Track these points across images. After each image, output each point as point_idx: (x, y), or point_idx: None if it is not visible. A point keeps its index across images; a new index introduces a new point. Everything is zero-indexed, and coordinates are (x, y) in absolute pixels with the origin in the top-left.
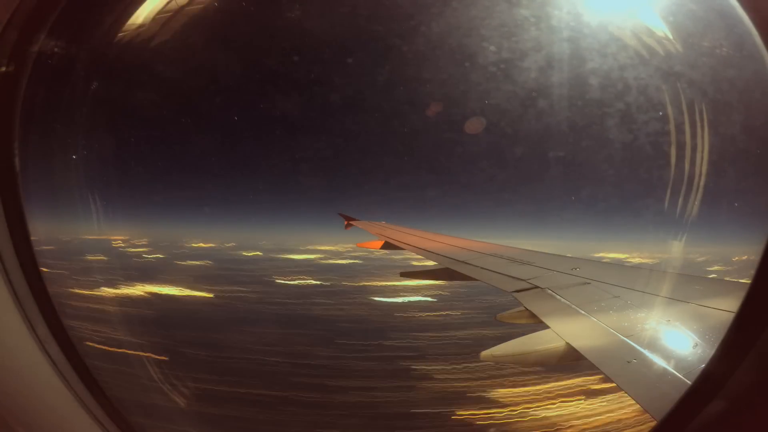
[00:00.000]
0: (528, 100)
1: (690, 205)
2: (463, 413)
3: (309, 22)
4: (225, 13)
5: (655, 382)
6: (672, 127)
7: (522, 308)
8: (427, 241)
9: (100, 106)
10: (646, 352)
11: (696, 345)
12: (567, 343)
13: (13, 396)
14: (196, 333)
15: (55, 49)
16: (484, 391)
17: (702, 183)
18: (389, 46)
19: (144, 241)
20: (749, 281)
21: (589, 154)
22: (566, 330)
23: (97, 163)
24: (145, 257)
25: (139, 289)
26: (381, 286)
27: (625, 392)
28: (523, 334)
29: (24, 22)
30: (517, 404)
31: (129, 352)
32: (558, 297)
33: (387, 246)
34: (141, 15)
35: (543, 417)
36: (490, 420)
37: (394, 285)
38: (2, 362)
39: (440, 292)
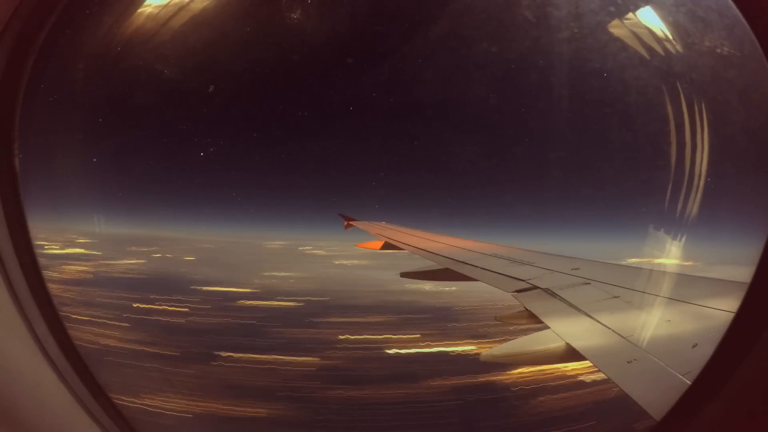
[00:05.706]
0: (526, 101)
1: (689, 205)
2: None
3: (309, 21)
4: (226, 13)
5: (655, 382)
6: (671, 127)
7: (522, 308)
8: (427, 241)
9: (100, 107)
10: (646, 352)
11: (696, 345)
12: (567, 344)
13: (12, 396)
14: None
15: (56, 49)
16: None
17: (701, 183)
18: (389, 45)
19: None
20: (749, 281)
21: (588, 155)
22: (566, 330)
23: (98, 164)
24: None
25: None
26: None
27: (626, 392)
28: (524, 335)
29: (24, 22)
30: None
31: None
32: (558, 297)
33: (387, 246)
34: (141, 15)
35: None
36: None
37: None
38: (2, 362)
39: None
